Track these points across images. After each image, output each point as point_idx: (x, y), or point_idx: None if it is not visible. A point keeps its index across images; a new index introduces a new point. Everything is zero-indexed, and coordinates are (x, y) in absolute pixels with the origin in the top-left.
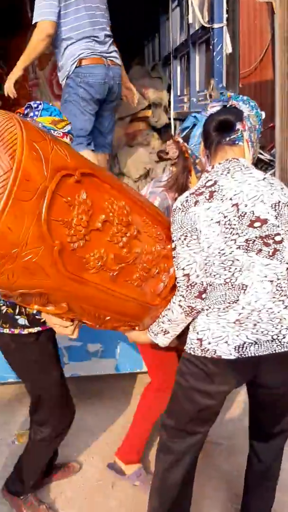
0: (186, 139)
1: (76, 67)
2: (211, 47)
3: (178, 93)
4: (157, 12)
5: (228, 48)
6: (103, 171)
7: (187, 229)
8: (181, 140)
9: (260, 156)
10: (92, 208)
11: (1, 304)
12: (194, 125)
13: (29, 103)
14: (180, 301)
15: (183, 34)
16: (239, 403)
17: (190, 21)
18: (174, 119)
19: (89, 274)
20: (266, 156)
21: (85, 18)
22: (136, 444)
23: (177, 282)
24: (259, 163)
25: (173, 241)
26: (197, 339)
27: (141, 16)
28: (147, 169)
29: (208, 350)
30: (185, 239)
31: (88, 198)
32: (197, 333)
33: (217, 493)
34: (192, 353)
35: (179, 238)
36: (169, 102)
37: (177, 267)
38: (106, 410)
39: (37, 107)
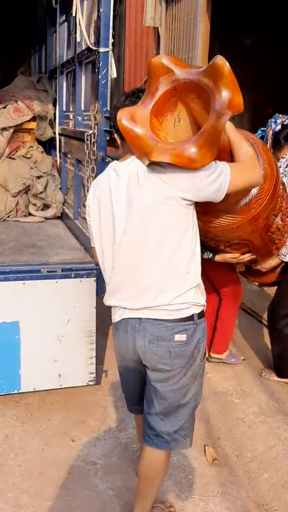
0: None
1: None
2: (96, 70)
3: (64, 109)
4: (45, 22)
5: (113, 72)
6: None
7: None
8: None
9: None
10: (277, 195)
11: None
12: (262, 136)
13: None
14: None
15: (70, 50)
16: (115, 421)
17: (78, 39)
18: (60, 134)
19: (267, 234)
20: None
21: None
22: (227, 337)
23: None
24: None
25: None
26: None
27: (29, 24)
28: (26, 185)
29: None
30: None
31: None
32: None
33: None
34: None
35: None
36: (55, 116)
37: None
38: None
39: None
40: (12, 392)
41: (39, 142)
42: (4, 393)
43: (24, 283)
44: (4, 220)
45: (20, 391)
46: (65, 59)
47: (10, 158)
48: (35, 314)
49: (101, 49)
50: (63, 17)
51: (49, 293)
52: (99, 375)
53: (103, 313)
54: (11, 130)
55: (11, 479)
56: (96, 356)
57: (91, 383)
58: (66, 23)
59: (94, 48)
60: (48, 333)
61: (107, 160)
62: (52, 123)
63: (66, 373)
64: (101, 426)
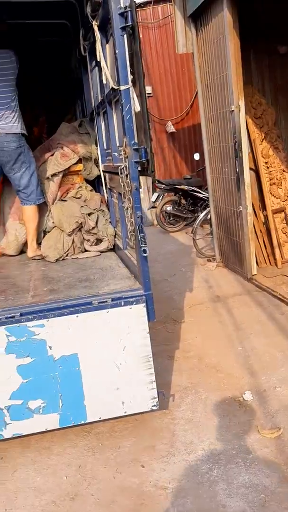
0: None
1: None
2: (120, 106)
3: (105, 147)
4: (80, 70)
5: (136, 107)
6: None
7: None
8: None
9: (198, 194)
10: None
11: None
12: None
13: None
14: None
15: (103, 92)
16: (183, 444)
17: (104, 82)
18: (104, 171)
19: None
20: (204, 194)
21: None
22: None
23: None
24: (198, 201)
25: None
26: None
27: (67, 74)
28: (79, 223)
29: None
30: None
31: None
32: None
33: None
34: None
35: None
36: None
37: None
38: None
39: None
40: (79, 423)
41: (88, 181)
42: (71, 425)
43: (77, 316)
44: (63, 259)
45: (86, 422)
46: (99, 101)
47: (62, 200)
48: (91, 345)
49: (122, 87)
50: (93, 63)
51: (102, 323)
52: (163, 399)
53: (169, 338)
54: (61, 175)
55: (85, 508)
56: (163, 381)
57: (154, 408)
58: (96, 68)
59: (115, 87)
60: (106, 362)
61: (156, 185)
62: (97, 162)
63: (129, 400)
64: (170, 450)
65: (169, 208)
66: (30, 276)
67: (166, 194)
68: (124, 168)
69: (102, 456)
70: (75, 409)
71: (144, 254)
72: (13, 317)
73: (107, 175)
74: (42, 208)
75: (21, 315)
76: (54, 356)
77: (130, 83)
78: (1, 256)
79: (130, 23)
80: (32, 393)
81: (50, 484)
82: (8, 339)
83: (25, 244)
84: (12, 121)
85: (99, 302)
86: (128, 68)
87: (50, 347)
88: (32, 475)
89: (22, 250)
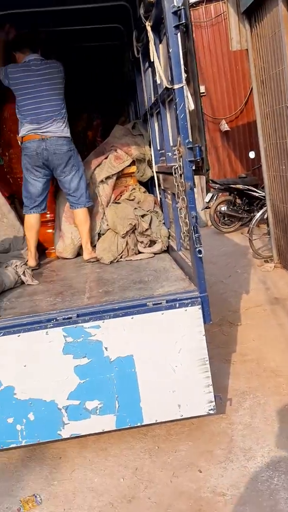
0: None
1: (21, 143)
2: (174, 105)
3: (158, 148)
4: (133, 72)
5: (190, 105)
6: None
7: None
8: None
9: (254, 193)
10: None
11: None
12: None
13: None
14: None
15: (156, 93)
16: (242, 449)
17: (158, 82)
18: (157, 172)
19: None
20: (260, 194)
21: (30, 109)
22: None
23: None
24: (254, 201)
25: None
26: None
27: (120, 78)
28: (132, 225)
29: None
30: None
31: None
32: None
33: None
34: None
35: None
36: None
37: None
38: None
39: None
40: (136, 425)
41: (141, 183)
42: (127, 427)
43: (132, 318)
44: (117, 261)
45: (142, 424)
46: (152, 102)
47: (116, 203)
48: (147, 347)
49: (176, 86)
50: (146, 64)
51: (157, 325)
52: (220, 403)
53: (225, 341)
54: (114, 178)
55: (142, 511)
56: (219, 385)
57: (211, 411)
58: (150, 69)
59: (169, 86)
60: (162, 364)
61: (210, 185)
62: (150, 164)
63: (185, 403)
64: (228, 455)
65: (223, 208)
66: (85, 278)
67: (220, 194)
68: (178, 168)
69: (159, 459)
70: (131, 411)
71: (199, 255)
72: (70, 318)
73: (160, 176)
74: (95, 210)
75: (78, 316)
76: (110, 357)
77: (184, 82)
78: (58, 259)
79: (183, 21)
80: (89, 393)
81: (107, 486)
82: (65, 340)
83: (81, 247)
84: (62, 126)
85: (153, 304)
86: (182, 67)
87: (106, 348)
88: (90, 475)
89: (78, 253)
